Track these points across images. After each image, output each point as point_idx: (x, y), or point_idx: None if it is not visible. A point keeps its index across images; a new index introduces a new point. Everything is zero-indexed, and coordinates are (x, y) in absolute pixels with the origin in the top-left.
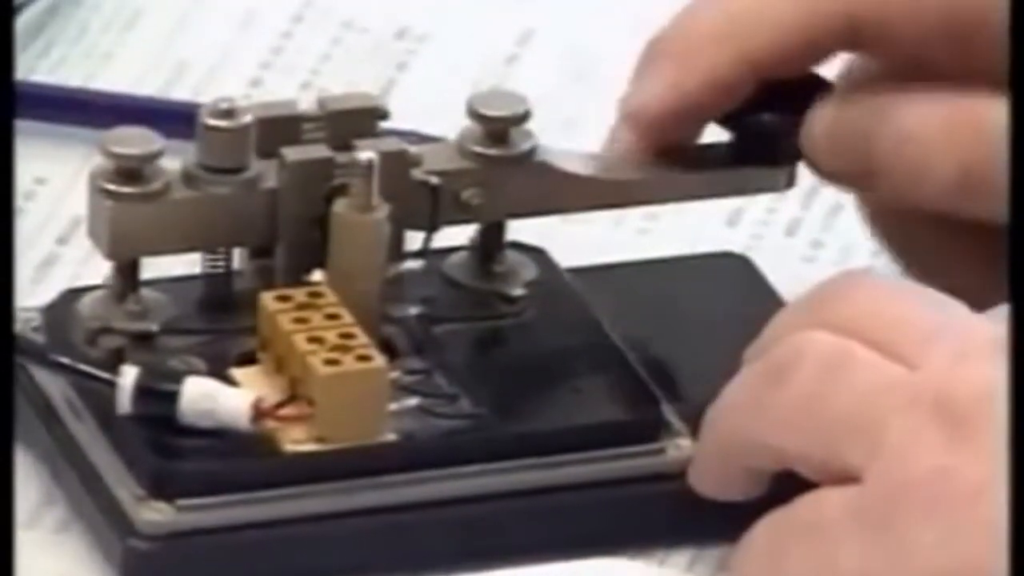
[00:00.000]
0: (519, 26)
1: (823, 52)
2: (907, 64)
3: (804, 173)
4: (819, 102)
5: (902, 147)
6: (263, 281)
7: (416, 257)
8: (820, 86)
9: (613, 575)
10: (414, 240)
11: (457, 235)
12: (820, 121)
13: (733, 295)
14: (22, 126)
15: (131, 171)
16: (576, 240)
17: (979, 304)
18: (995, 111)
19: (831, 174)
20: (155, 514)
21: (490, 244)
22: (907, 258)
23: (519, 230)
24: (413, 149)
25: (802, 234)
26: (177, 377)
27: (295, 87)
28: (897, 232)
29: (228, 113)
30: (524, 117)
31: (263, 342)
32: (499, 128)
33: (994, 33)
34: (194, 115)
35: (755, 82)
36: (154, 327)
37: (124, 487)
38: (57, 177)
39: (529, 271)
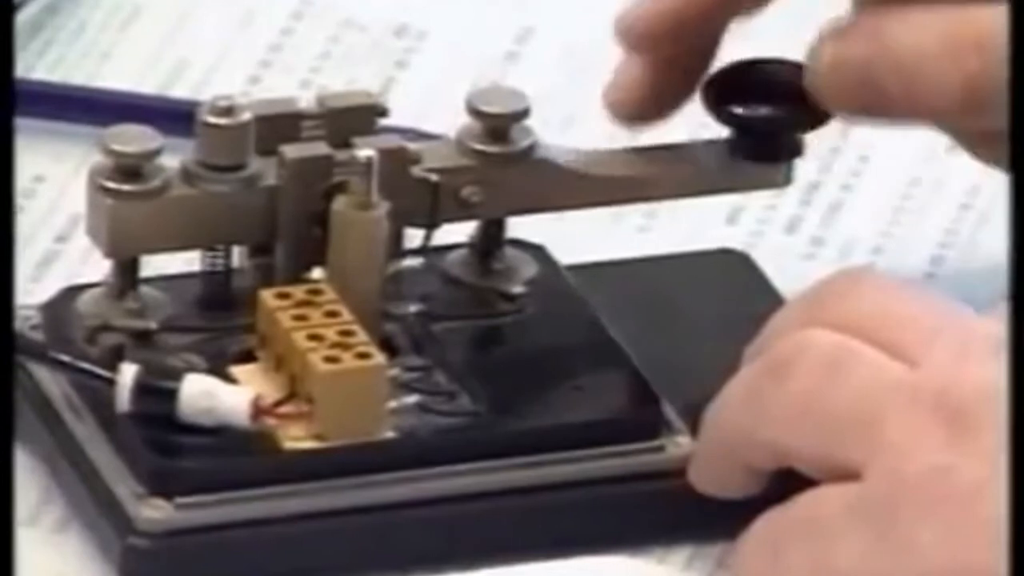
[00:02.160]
0: (518, 23)
1: None
2: None
3: (804, 170)
4: (816, 39)
5: (903, 72)
6: (262, 279)
7: (416, 254)
8: None
9: (612, 572)
10: (413, 237)
11: (457, 232)
12: (819, 59)
13: (733, 293)
14: (21, 124)
15: (130, 169)
16: (576, 237)
17: None
18: (990, 21)
19: (838, 109)
20: (154, 512)
21: (490, 241)
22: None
23: (519, 227)
24: (412, 146)
25: (802, 231)
26: (176, 375)
27: (294, 85)
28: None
29: (227, 111)
30: (523, 114)
31: (262, 340)
32: (498, 125)
33: None
34: (193, 113)
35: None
36: (153, 325)
37: (123, 485)
38: (56, 175)
39: (529, 268)
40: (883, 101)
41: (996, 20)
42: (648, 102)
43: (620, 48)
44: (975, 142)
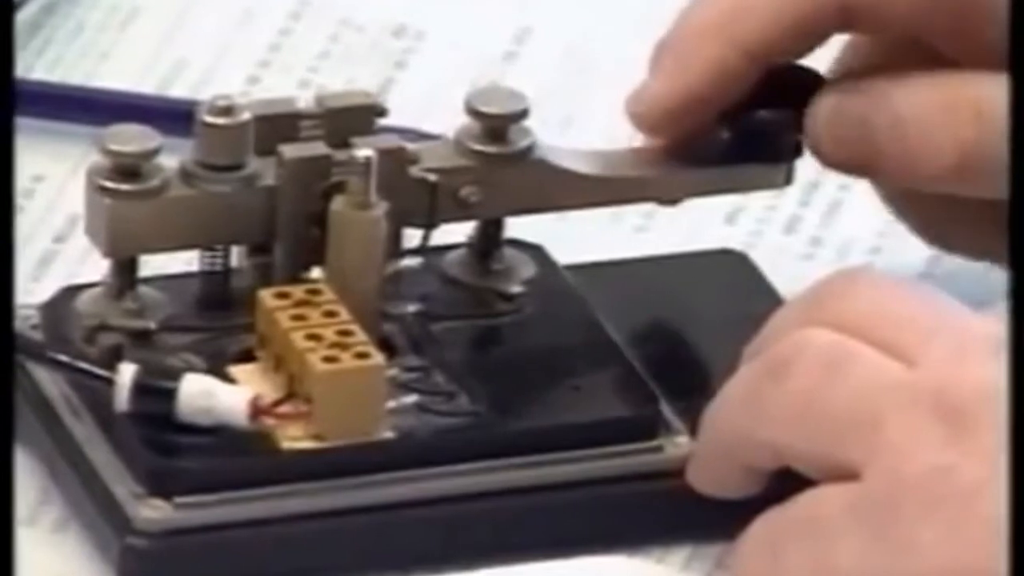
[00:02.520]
0: (517, 23)
1: (818, 35)
2: (902, 44)
3: (803, 170)
4: (818, 93)
5: (900, 133)
6: (261, 278)
7: (414, 254)
8: (818, 82)
9: (611, 572)
10: (412, 237)
11: (455, 232)
12: (820, 111)
13: (732, 293)
14: (20, 124)
15: (129, 168)
16: (574, 237)
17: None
18: (990, 91)
19: (834, 163)
20: (153, 512)
21: (488, 241)
22: (927, 232)
23: (517, 227)
24: (411, 146)
25: (801, 231)
26: (175, 375)
27: (293, 84)
28: (913, 208)
29: (226, 110)
30: (522, 114)
31: (261, 339)
32: (497, 125)
33: (987, 9)
34: (192, 112)
35: (755, 71)
36: (152, 325)
37: (122, 485)
38: (55, 175)
39: (527, 268)
40: (878, 159)
41: (995, 90)
42: (669, 121)
43: (620, 45)
44: (951, 222)
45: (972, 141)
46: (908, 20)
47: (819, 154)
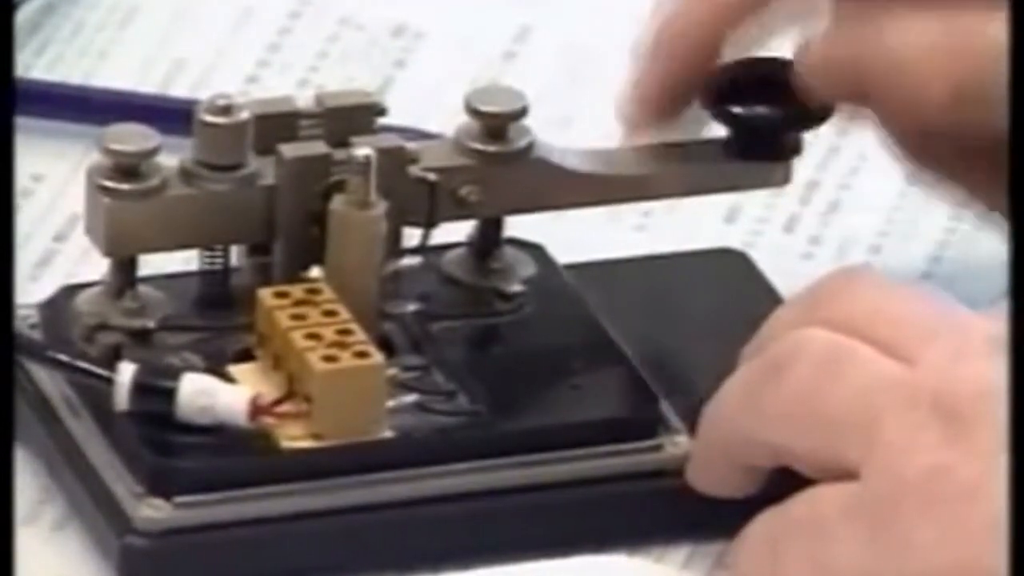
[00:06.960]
0: (517, 23)
1: None
2: None
3: (802, 169)
4: (806, 37)
5: (894, 71)
6: (261, 278)
7: (414, 254)
8: None
9: (610, 571)
10: (412, 237)
11: (455, 231)
12: (811, 50)
13: (731, 292)
14: (19, 123)
15: (128, 168)
16: (574, 236)
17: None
18: (984, 26)
19: (827, 98)
20: (152, 511)
21: (488, 240)
22: (922, 168)
23: (517, 226)
24: (411, 146)
25: (800, 230)
26: (174, 374)
27: (292, 84)
28: (913, 146)
29: (225, 110)
30: (522, 113)
31: (261, 339)
32: (497, 124)
33: None
34: (191, 112)
35: (727, 27)
36: (151, 324)
37: (122, 484)
38: (54, 174)
39: (527, 267)
40: (869, 98)
41: (986, 27)
42: (657, 110)
43: (619, 45)
44: (953, 165)
45: (966, 78)
46: None
47: (812, 93)
